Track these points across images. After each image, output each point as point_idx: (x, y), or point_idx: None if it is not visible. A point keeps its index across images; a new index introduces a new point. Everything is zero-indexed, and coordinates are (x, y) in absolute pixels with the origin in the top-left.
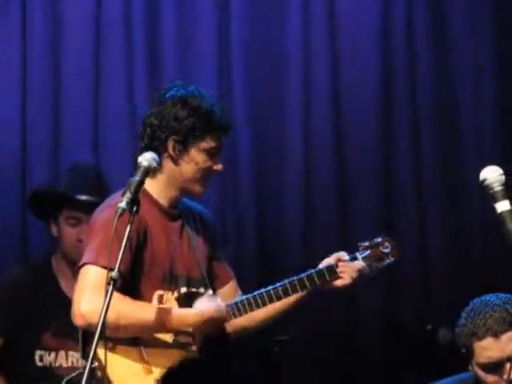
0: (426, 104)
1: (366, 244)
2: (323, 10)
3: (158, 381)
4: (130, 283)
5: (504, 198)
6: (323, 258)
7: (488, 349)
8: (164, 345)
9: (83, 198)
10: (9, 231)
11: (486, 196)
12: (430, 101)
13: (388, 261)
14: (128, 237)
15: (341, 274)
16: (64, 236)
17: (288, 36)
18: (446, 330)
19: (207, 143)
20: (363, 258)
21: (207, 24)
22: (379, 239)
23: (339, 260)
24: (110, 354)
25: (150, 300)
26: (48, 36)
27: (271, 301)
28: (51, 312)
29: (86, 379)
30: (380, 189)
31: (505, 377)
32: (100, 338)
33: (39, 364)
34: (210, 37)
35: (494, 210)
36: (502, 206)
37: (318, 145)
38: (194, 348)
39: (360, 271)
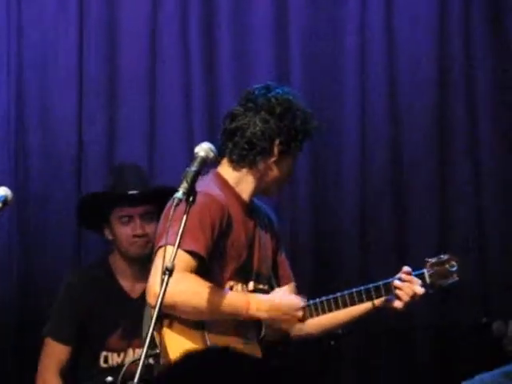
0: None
1: (434, 261)
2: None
3: None
4: (206, 269)
5: None
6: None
7: None
8: (227, 332)
9: (132, 192)
10: (62, 232)
11: None
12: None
13: (452, 280)
14: (211, 224)
15: (399, 292)
16: (119, 235)
17: (345, 52)
18: (500, 323)
19: (301, 147)
20: (430, 276)
21: (264, 36)
22: (446, 256)
23: (405, 274)
24: (173, 337)
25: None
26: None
27: (338, 308)
28: (116, 313)
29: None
30: (437, 196)
31: None
32: (156, 322)
33: (103, 365)
34: (268, 49)
35: None
36: None
37: (374, 156)
38: (255, 341)
39: (416, 292)
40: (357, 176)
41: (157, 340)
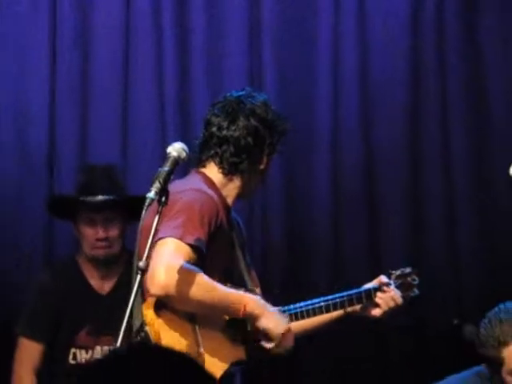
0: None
1: (398, 273)
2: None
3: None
4: (199, 263)
5: None
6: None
7: None
8: (216, 329)
9: (94, 199)
10: (35, 230)
11: None
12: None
13: (413, 294)
14: (209, 221)
15: (379, 301)
16: (83, 236)
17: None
18: (471, 325)
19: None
20: (397, 287)
21: (237, 24)
22: (408, 270)
23: (382, 284)
24: (166, 328)
25: None
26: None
27: (315, 315)
28: (85, 311)
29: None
30: (409, 197)
31: None
32: (130, 315)
33: (72, 362)
34: (241, 35)
35: None
36: None
37: (346, 157)
38: (241, 344)
39: (396, 302)
40: (329, 178)
41: (150, 331)
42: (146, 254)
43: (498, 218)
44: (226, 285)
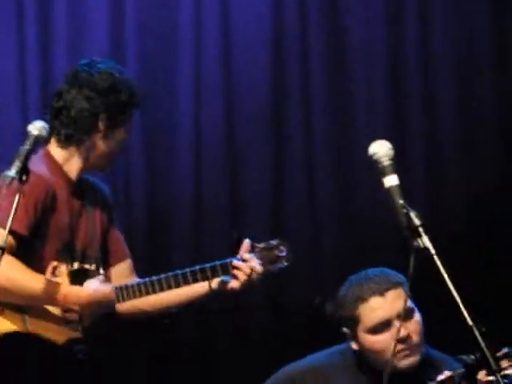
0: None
1: (262, 246)
2: None
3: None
4: (29, 248)
5: (392, 172)
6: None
7: (376, 308)
8: (49, 318)
9: None
10: None
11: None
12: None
13: (281, 265)
14: (34, 203)
15: (236, 272)
16: None
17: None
18: (332, 303)
19: (129, 118)
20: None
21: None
22: (275, 242)
23: (240, 256)
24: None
25: (44, 268)
26: None
27: (161, 289)
28: None
29: None
30: (271, 173)
31: (395, 336)
32: None
33: None
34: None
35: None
36: (390, 180)
37: (208, 131)
38: (78, 327)
39: (255, 271)
40: (191, 152)
41: None
42: (6, 232)
43: (359, 198)
44: (69, 264)
